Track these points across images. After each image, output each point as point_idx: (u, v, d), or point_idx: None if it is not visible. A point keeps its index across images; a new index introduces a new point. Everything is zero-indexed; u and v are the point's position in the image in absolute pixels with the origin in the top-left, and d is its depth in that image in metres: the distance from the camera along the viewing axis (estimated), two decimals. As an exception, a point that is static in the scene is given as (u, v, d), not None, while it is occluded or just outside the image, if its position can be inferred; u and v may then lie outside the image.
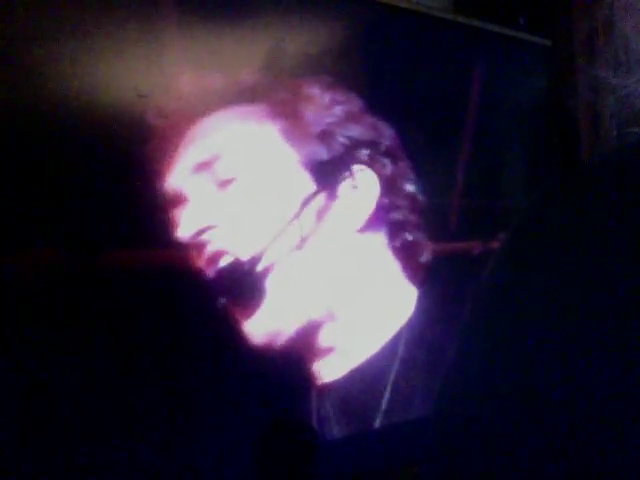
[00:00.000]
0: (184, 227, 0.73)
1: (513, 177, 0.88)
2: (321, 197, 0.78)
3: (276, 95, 0.78)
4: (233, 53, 0.74)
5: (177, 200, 0.72)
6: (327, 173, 0.79)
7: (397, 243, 0.84)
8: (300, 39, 0.72)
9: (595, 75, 0.45)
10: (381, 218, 0.82)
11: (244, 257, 0.73)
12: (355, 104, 0.82)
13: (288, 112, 0.79)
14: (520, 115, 0.90)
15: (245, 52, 0.74)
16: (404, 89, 0.81)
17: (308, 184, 0.78)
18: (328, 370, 0.78)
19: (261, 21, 0.73)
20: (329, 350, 0.79)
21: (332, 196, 0.79)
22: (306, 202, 0.78)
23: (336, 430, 0.75)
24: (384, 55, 0.78)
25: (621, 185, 0.52)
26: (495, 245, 0.70)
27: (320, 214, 0.79)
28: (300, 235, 0.76)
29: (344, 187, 0.80)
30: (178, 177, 0.72)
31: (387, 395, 0.80)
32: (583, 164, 0.58)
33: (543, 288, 0.50)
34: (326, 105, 0.81)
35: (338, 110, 0.81)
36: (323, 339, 0.78)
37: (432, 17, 0.80)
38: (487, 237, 0.82)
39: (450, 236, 0.82)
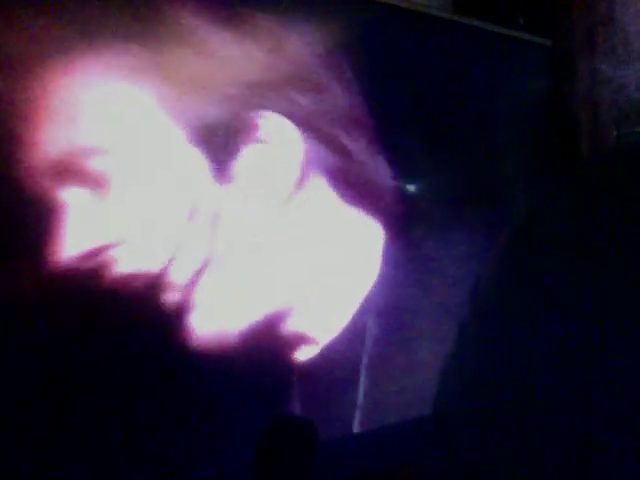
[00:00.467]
0: (71, 251, 0.56)
1: (512, 176, 0.87)
2: (229, 167, 0.61)
3: (142, 40, 0.58)
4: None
5: (50, 215, 0.55)
6: (227, 135, 0.61)
7: (348, 191, 0.67)
8: (297, 38, 0.71)
9: (594, 69, 0.45)
10: (317, 168, 0.65)
11: (161, 270, 0.59)
12: (254, 39, 0.62)
13: (161, 62, 0.59)
14: (520, 115, 0.90)
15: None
16: (402, 89, 0.81)
17: (208, 156, 0.60)
18: (307, 357, 0.68)
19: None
20: (303, 337, 0.67)
21: (243, 162, 0.62)
22: (215, 179, 0.61)
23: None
24: (382, 54, 0.77)
25: (621, 185, 0.52)
26: (494, 244, 0.69)
27: (236, 189, 0.62)
28: (221, 221, 0.61)
29: (253, 147, 0.62)
30: (40, 183, 0.54)
31: (364, 375, 0.71)
32: (583, 164, 0.57)
33: (542, 288, 0.49)
34: (211, 46, 0.60)
35: (229, 49, 0.61)
36: (292, 326, 0.66)
37: (431, 17, 0.80)
38: (485, 237, 0.81)
39: (447, 235, 0.80)
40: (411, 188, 0.76)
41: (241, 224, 0.63)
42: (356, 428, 0.74)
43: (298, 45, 0.67)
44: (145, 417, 0.61)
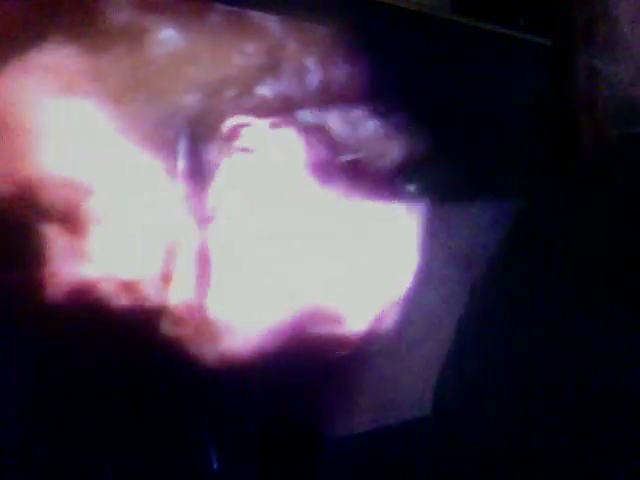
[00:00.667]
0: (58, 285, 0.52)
1: (512, 177, 0.87)
2: (209, 186, 0.55)
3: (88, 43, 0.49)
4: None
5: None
6: (204, 149, 0.53)
7: (345, 184, 0.61)
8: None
9: (593, 67, 0.45)
10: (311, 167, 0.59)
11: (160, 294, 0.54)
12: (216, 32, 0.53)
13: (107, 62, 0.50)
14: (519, 116, 0.89)
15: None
16: (402, 89, 0.81)
17: (187, 173, 0.53)
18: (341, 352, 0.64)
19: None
20: (333, 337, 0.63)
21: (230, 174, 0.55)
22: (201, 193, 0.54)
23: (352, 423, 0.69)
24: (381, 54, 0.77)
25: (619, 183, 0.52)
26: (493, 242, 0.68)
27: (227, 201, 0.56)
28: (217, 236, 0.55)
29: (233, 158, 0.55)
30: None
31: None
32: (582, 163, 0.57)
33: (542, 286, 0.49)
34: (156, 42, 0.50)
35: (176, 41, 0.51)
36: (320, 328, 0.61)
37: (429, 16, 0.80)
38: (486, 234, 0.81)
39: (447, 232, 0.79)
40: (410, 187, 0.75)
41: (241, 235, 0.57)
42: (371, 426, 0.72)
43: (276, 37, 0.59)
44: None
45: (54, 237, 0.53)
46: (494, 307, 0.51)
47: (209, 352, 0.58)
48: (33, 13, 0.49)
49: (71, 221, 0.53)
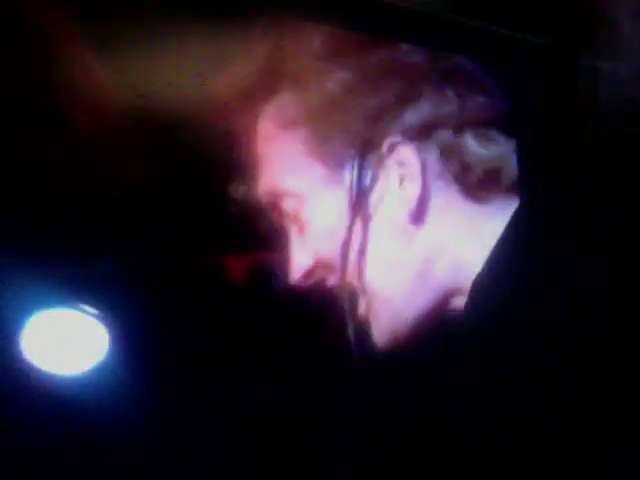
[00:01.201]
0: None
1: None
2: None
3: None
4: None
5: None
6: (365, 162, 0.71)
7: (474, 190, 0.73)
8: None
9: (594, 67, 0.45)
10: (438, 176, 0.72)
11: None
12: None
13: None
14: (519, 116, 0.89)
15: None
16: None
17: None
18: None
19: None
20: None
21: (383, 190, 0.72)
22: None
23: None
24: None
25: (619, 182, 0.52)
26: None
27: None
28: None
29: (389, 170, 0.71)
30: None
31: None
32: (584, 162, 0.58)
33: (541, 283, 0.49)
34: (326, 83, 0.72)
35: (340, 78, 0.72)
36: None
37: (429, 16, 0.80)
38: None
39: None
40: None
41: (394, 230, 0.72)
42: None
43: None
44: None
45: (289, 232, 0.76)
46: (495, 292, 0.52)
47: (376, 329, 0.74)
48: (267, 69, 0.73)
49: (296, 221, 0.75)
